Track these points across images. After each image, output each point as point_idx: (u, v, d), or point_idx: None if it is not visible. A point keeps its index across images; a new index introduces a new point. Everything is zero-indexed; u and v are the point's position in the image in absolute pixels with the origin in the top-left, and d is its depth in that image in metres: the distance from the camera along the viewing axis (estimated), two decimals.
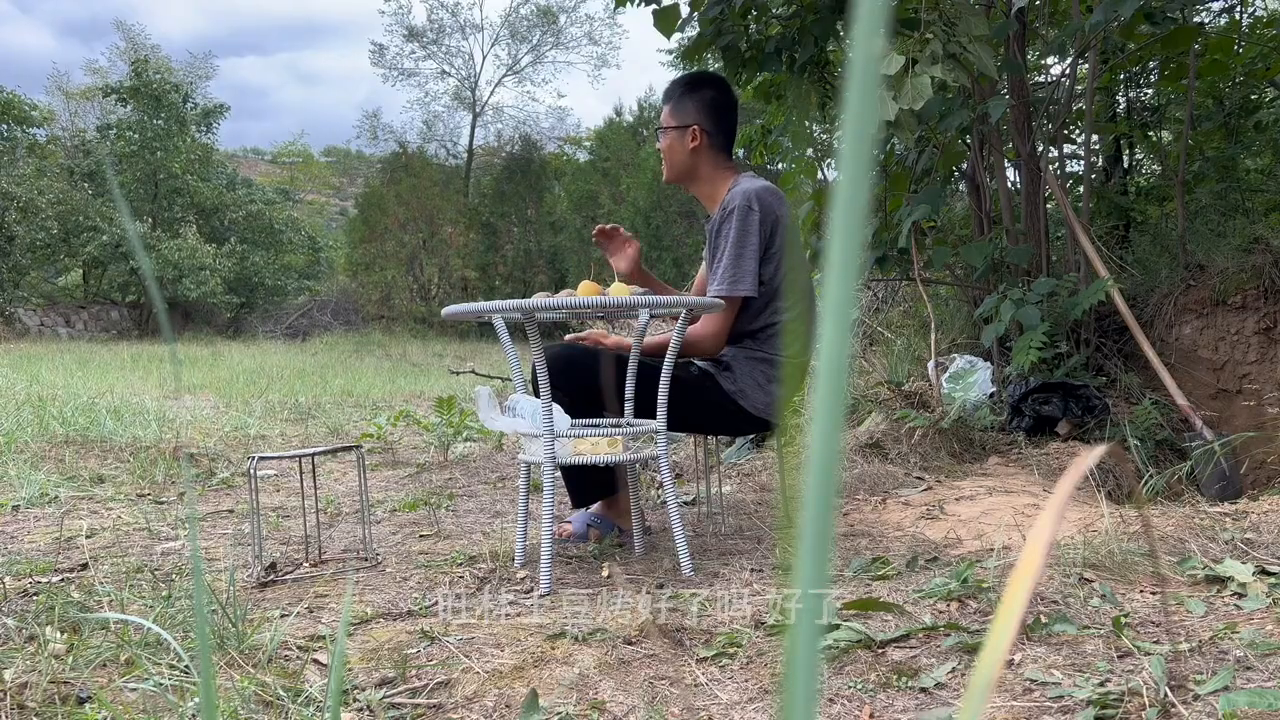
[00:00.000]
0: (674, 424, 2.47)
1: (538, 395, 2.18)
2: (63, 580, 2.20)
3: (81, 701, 1.41)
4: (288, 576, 2.23)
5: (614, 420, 2.35)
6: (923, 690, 1.40)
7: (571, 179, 26.54)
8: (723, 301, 2.32)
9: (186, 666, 1.50)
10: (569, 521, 2.57)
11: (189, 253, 21.94)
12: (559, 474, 2.41)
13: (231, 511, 3.20)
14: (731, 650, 1.59)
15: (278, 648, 1.63)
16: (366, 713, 1.41)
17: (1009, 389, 3.63)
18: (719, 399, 2.48)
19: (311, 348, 15.88)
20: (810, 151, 4.85)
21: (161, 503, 3.35)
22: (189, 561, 2.41)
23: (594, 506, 2.56)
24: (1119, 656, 1.45)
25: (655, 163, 23.26)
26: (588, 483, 2.51)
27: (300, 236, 24.65)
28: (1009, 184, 4.23)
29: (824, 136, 5.25)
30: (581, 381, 2.35)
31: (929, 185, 4.00)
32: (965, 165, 4.37)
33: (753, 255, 2.45)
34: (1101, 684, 1.34)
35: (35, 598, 2.01)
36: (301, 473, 2.81)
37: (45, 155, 24.24)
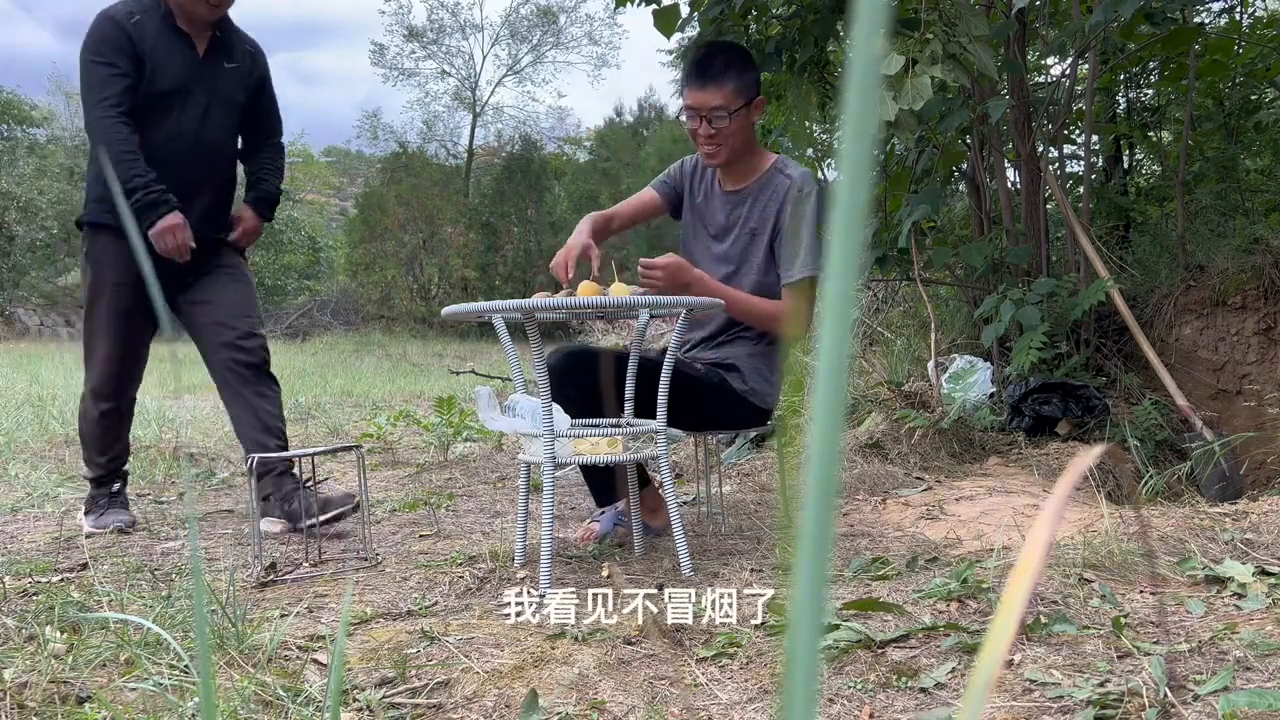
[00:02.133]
0: (685, 423, 2.48)
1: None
2: (63, 580, 2.20)
3: (81, 701, 1.41)
4: (288, 577, 2.23)
5: (614, 420, 2.35)
6: (922, 690, 1.40)
7: (571, 179, 26.55)
8: (722, 301, 2.32)
9: (186, 666, 1.50)
10: (596, 521, 2.56)
11: None
12: (581, 474, 2.40)
13: (231, 511, 3.20)
14: (731, 650, 1.59)
15: (278, 648, 1.63)
16: (366, 713, 1.41)
17: (1009, 389, 3.63)
18: (730, 398, 2.50)
19: (311, 347, 15.88)
20: (810, 151, 4.85)
21: (161, 503, 3.35)
22: (189, 561, 2.41)
23: (620, 504, 2.55)
24: (1119, 657, 1.45)
25: (656, 162, 23.24)
26: (611, 480, 2.51)
27: (300, 236, 24.64)
28: (1009, 184, 4.23)
29: (824, 136, 5.25)
30: (586, 383, 2.35)
31: (929, 185, 4.00)
32: (965, 165, 4.37)
33: (824, 240, 2.43)
34: (1101, 684, 1.34)
35: (35, 598, 2.01)
36: (301, 472, 2.81)
37: (45, 155, 24.23)
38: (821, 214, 2.45)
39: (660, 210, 2.76)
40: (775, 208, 2.50)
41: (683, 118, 2.54)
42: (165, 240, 2.59)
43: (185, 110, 2.69)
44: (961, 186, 5.02)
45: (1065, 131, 4.60)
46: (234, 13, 2.80)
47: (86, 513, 2.84)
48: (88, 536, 2.69)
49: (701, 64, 2.43)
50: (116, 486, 2.88)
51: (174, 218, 2.60)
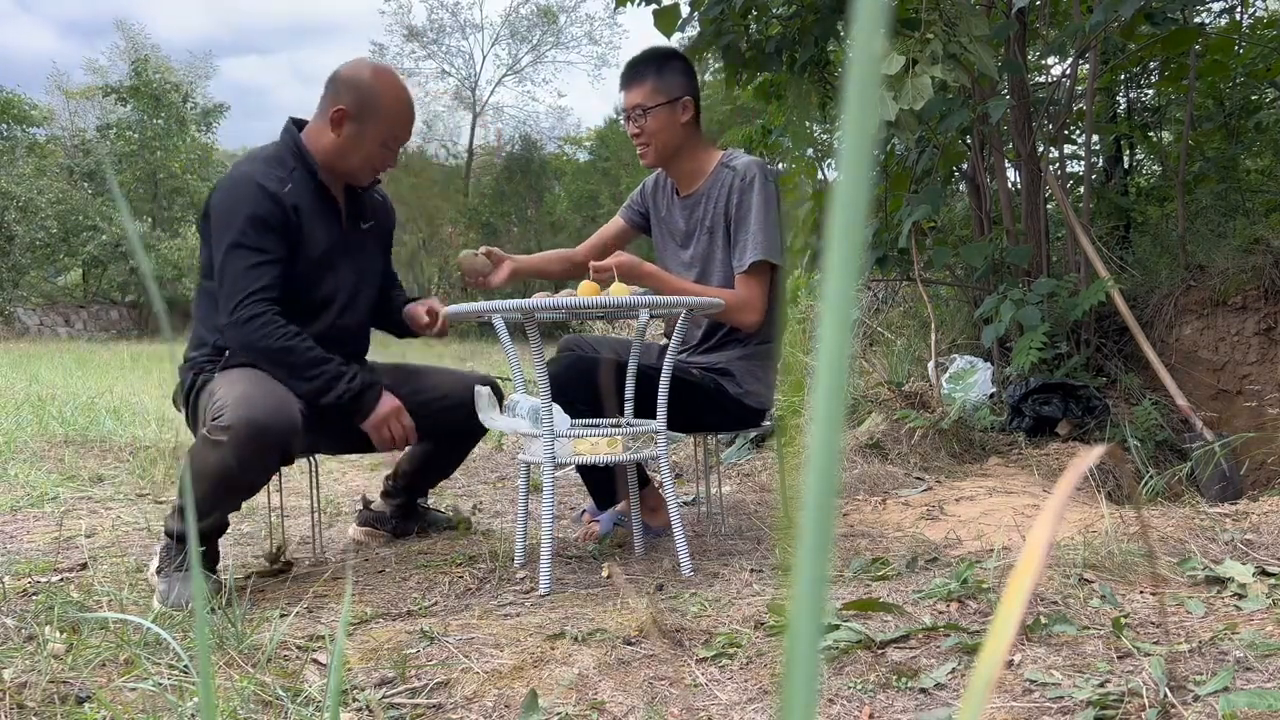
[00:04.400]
0: (683, 426, 2.48)
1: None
2: (62, 580, 2.19)
3: (81, 701, 1.41)
4: (287, 575, 2.23)
5: (614, 420, 2.35)
6: (922, 691, 1.40)
7: (571, 179, 26.56)
8: (723, 301, 2.32)
9: (186, 666, 1.50)
10: (597, 520, 2.56)
11: (189, 252, 21.95)
12: (579, 475, 2.39)
13: None
14: (731, 650, 1.59)
15: (277, 647, 1.63)
16: (366, 713, 1.41)
17: (1009, 389, 3.63)
18: (725, 402, 2.49)
19: None
20: (810, 151, 4.85)
21: (161, 502, 3.35)
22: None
23: (620, 505, 2.55)
24: (1119, 657, 1.45)
25: None
26: (611, 482, 2.51)
27: None
28: (1009, 184, 4.23)
29: (824, 136, 5.25)
30: (587, 392, 2.35)
31: (929, 185, 4.00)
32: (965, 165, 4.37)
33: (778, 225, 2.42)
34: (1101, 685, 1.34)
35: (35, 598, 2.01)
36: (283, 477, 2.81)
37: (45, 155, 24.25)
38: (768, 199, 2.44)
39: (629, 235, 2.82)
40: (724, 202, 2.50)
41: (622, 122, 2.62)
42: (386, 430, 2.20)
43: (333, 286, 2.27)
44: (961, 186, 5.02)
45: (1065, 131, 4.60)
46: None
47: (159, 570, 2.09)
48: (167, 610, 1.93)
49: (628, 67, 2.52)
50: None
51: (388, 403, 2.20)
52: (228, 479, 1.96)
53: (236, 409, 1.93)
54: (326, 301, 2.26)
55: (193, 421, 2.15)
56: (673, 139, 2.51)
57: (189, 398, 2.17)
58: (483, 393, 2.28)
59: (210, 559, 2.14)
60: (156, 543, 2.65)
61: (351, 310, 2.33)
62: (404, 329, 2.55)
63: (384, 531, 2.68)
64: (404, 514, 2.69)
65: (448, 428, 2.47)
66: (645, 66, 2.49)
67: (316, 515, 2.55)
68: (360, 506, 2.75)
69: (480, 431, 2.53)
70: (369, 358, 2.52)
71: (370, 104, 2.19)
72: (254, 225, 2.09)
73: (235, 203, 2.11)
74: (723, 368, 2.53)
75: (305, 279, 2.20)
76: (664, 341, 2.63)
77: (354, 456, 4.46)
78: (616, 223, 2.83)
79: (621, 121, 2.64)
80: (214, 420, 1.95)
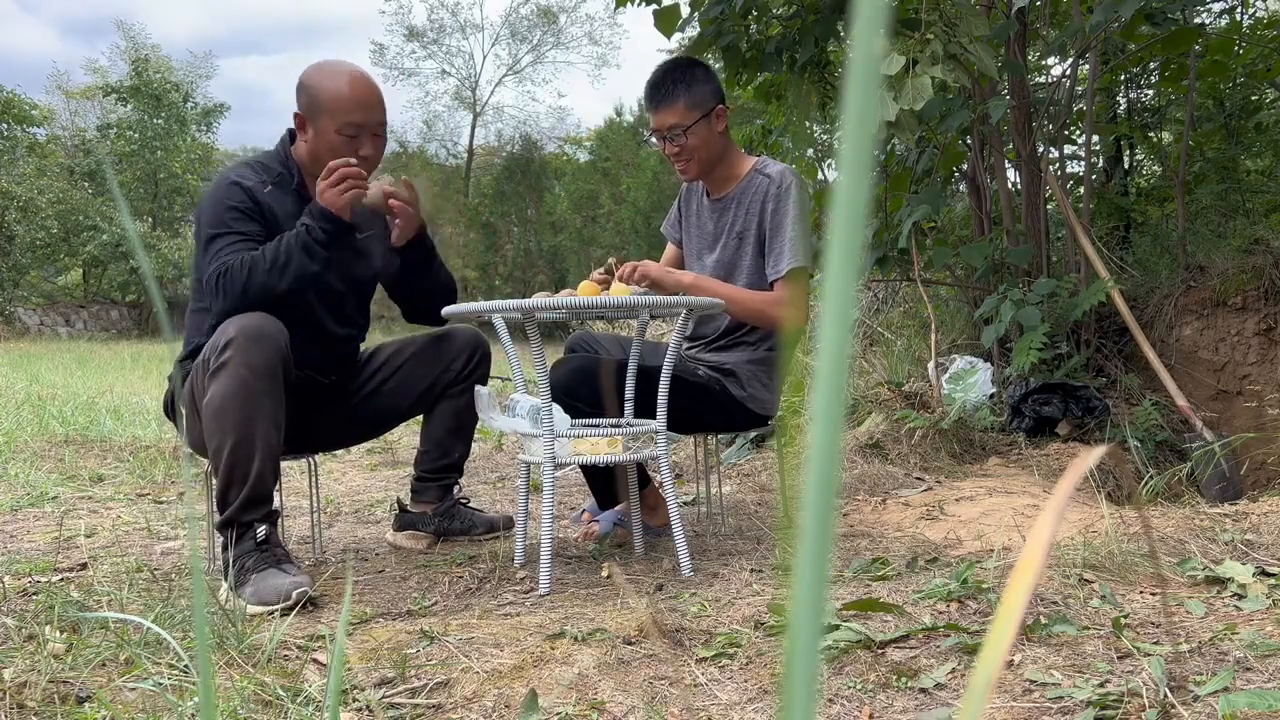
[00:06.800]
0: (684, 426, 2.48)
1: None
2: (62, 580, 2.19)
3: (81, 701, 1.41)
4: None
5: (614, 420, 2.35)
6: (922, 691, 1.40)
7: (571, 179, 26.55)
8: (723, 301, 2.32)
9: (186, 666, 1.50)
10: (597, 520, 2.56)
11: (189, 252, 21.94)
12: (581, 475, 2.39)
13: None
14: (731, 650, 1.59)
15: (277, 647, 1.63)
16: (366, 712, 1.41)
17: (1009, 390, 3.63)
18: (726, 402, 2.50)
19: None
20: (810, 152, 4.85)
21: (161, 502, 3.35)
22: (189, 561, 2.40)
23: (621, 505, 2.55)
24: (1119, 657, 1.45)
25: (656, 162, 23.26)
26: (613, 482, 2.51)
27: None
28: (1009, 184, 4.22)
29: (824, 137, 5.25)
30: (591, 396, 2.35)
31: (929, 186, 4.00)
32: (965, 166, 4.37)
33: (810, 233, 2.45)
34: (1101, 685, 1.34)
35: (35, 597, 2.01)
36: (282, 476, 2.81)
37: (45, 154, 24.26)
38: (803, 206, 2.46)
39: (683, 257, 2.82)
40: (758, 208, 2.51)
41: (653, 141, 2.60)
42: (343, 192, 2.12)
43: (317, 299, 2.28)
44: (962, 187, 5.02)
45: (1066, 132, 4.60)
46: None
47: (238, 585, 1.96)
48: (251, 617, 1.86)
49: (653, 88, 2.49)
50: (263, 532, 2.03)
51: (322, 187, 2.13)
52: (247, 391, 1.98)
53: (230, 329, 2.01)
54: (310, 310, 2.28)
55: (191, 415, 2.17)
56: (713, 151, 2.51)
57: (189, 390, 2.18)
58: (482, 393, 2.28)
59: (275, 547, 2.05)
60: (157, 543, 2.64)
61: (337, 320, 2.37)
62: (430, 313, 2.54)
63: (426, 533, 2.57)
64: (447, 514, 2.60)
65: (425, 384, 2.50)
66: (674, 84, 2.45)
67: (316, 515, 2.55)
68: (396, 511, 2.63)
69: (454, 374, 2.50)
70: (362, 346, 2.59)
71: (315, 96, 2.23)
72: (231, 214, 2.17)
73: (213, 200, 2.20)
74: (729, 369, 2.54)
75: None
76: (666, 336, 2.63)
77: (354, 456, 4.47)
78: (670, 249, 2.83)
79: (652, 140, 2.62)
80: (215, 353, 2.01)
